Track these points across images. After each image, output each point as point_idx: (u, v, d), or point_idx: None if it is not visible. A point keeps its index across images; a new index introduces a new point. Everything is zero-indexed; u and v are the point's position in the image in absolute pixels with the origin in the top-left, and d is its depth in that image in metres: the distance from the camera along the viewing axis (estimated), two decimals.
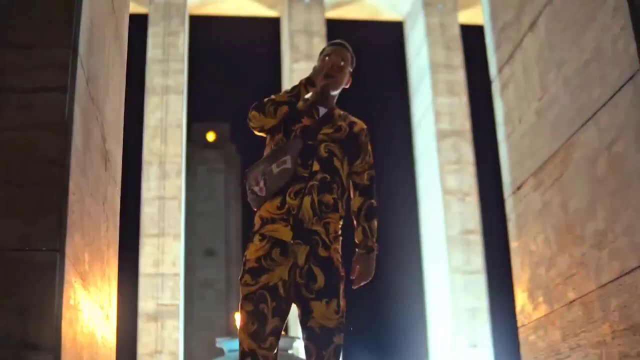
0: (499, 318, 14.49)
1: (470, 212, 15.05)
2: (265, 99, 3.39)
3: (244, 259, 3.27)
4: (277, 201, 3.25)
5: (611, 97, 3.47)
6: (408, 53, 17.21)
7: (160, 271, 14.01)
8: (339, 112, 3.55)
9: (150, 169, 14.71)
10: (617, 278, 3.39)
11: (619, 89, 3.40)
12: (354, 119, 3.57)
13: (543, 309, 4.14)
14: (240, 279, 3.21)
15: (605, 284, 3.49)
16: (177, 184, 14.77)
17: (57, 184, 2.75)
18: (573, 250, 3.82)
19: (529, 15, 4.35)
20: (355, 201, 3.49)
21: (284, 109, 3.35)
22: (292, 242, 3.20)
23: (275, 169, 3.27)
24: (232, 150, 51.19)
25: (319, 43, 15.79)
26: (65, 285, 2.69)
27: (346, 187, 3.45)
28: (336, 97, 3.58)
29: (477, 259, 14.63)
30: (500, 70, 4.77)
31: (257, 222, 3.31)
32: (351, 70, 3.60)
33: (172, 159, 14.88)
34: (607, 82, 3.51)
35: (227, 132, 51.47)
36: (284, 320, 3.26)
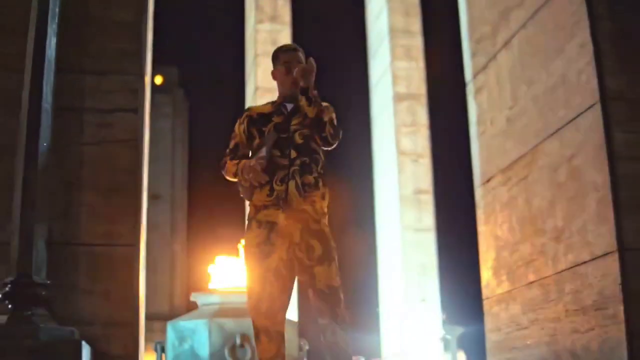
0: (447, 274, 15.50)
1: (423, 173, 15.89)
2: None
3: (243, 245, 3.75)
4: (266, 190, 3.70)
5: (573, 119, 4.21)
6: (368, 17, 17.79)
7: None
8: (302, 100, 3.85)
9: None
10: (571, 267, 4.18)
11: (580, 114, 4.14)
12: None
13: (506, 286, 4.93)
14: (245, 264, 3.71)
15: (561, 271, 4.28)
16: None
17: (132, 190, 3.38)
18: (534, 240, 4.60)
19: (504, 34, 5.04)
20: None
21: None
22: (285, 223, 3.67)
23: (254, 161, 3.68)
24: (180, 94, 51.01)
25: (283, 5, 16.26)
26: (140, 273, 3.34)
27: (324, 160, 3.86)
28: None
29: (428, 218, 15.53)
30: (474, 76, 5.48)
31: (251, 210, 3.78)
32: None
33: None
34: (570, 106, 4.25)
35: (175, 76, 51.20)
36: (290, 295, 3.78)
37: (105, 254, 3.29)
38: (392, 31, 16.54)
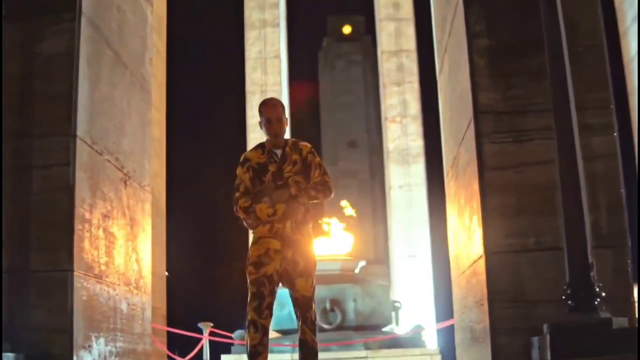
0: None
1: None
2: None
3: (248, 255, 4.69)
4: (267, 226, 4.65)
5: (466, 129, 4.67)
6: None
7: None
8: (289, 145, 4.78)
9: (253, 98, 16.35)
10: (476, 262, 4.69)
11: (469, 125, 4.59)
12: (299, 144, 4.80)
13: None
14: (246, 269, 4.68)
15: None
16: None
17: (68, 225, 4.38)
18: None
19: (444, 42, 5.48)
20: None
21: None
22: (280, 248, 4.62)
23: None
24: (368, 41, 51.76)
25: None
26: (75, 291, 4.36)
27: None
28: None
29: None
30: (439, 73, 5.95)
31: (254, 236, 4.72)
32: (286, 115, 4.88)
33: (272, 87, 16.44)
34: (466, 116, 4.69)
35: (362, 24, 52.06)
36: (274, 297, 4.70)
37: (48, 278, 4.34)
38: None
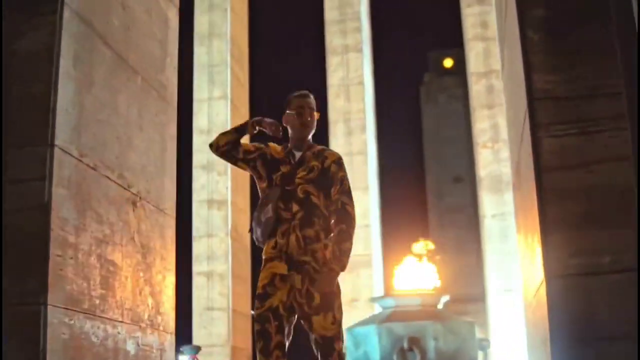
0: None
1: None
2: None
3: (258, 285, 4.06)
4: (272, 242, 4.03)
5: (524, 122, 3.76)
6: None
7: None
8: (313, 150, 4.13)
9: (336, 127, 15.66)
10: None
11: (525, 118, 3.68)
12: (326, 152, 4.16)
13: None
14: (253, 304, 4.04)
15: None
16: (363, 139, 15.61)
17: (42, 250, 3.70)
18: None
19: (502, 35, 4.61)
20: (333, 225, 4.09)
21: (228, 138, 4.21)
22: (287, 273, 3.94)
23: (262, 217, 4.04)
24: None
25: None
26: (49, 327, 3.66)
27: (328, 215, 4.08)
28: (309, 139, 4.19)
29: None
30: (502, 70, 5.04)
31: (263, 259, 4.09)
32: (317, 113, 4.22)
33: (356, 115, 15.72)
34: (521, 108, 3.79)
35: (463, 57, 51.19)
36: (287, 335, 4.00)
37: (18, 312, 3.66)
38: None
